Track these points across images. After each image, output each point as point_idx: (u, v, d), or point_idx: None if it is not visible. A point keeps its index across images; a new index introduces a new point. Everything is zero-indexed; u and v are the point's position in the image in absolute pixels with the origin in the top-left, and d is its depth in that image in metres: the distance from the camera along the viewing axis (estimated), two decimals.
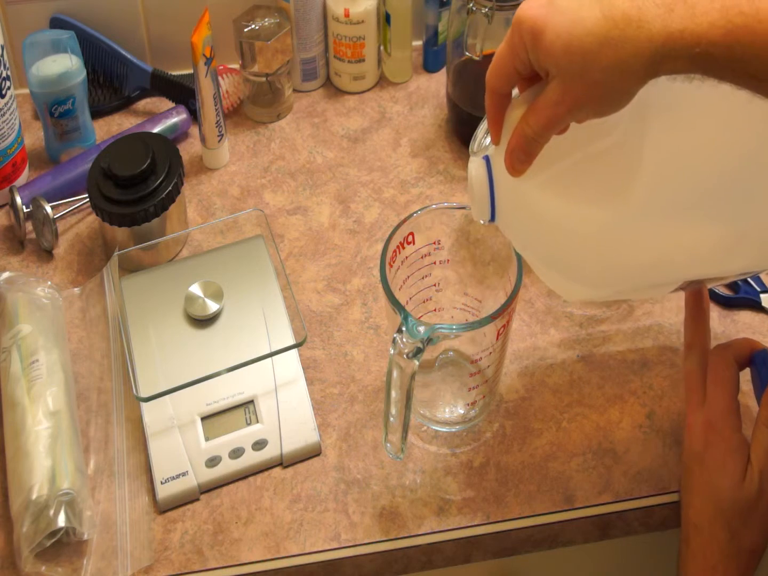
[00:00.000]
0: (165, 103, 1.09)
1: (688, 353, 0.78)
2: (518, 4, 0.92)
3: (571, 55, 0.58)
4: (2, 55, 0.95)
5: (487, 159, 0.69)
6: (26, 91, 1.04)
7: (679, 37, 0.56)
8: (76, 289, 0.93)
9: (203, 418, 0.82)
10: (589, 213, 0.67)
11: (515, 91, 0.66)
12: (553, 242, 0.69)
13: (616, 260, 0.69)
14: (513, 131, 0.64)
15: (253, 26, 1.03)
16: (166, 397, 0.82)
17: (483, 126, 0.91)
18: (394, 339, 0.71)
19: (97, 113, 1.07)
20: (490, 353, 0.78)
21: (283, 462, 0.81)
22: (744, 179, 0.66)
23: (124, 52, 1.08)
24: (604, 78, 0.58)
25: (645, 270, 0.70)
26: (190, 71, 0.99)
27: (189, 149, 1.06)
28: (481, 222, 0.71)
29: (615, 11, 0.56)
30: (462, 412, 0.83)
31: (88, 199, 0.96)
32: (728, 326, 0.89)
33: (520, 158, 0.64)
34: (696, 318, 0.79)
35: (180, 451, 0.81)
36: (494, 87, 0.65)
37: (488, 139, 0.89)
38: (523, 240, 0.72)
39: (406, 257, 0.80)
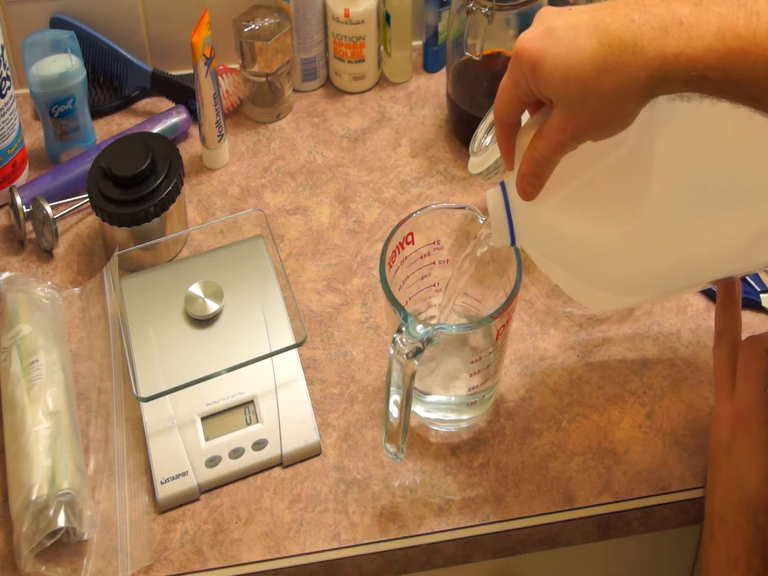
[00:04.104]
0: (165, 103, 1.09)
1: (718, 342, 0.78)
2: (518, 5, 0.93)
3: (570, 84, 0.59)
4: (2, 55, 0.95)
5: (503, 185, 0.70)
6: (26, 91, 1.04)
7: (675, 61, 0.56)
8: (76, 289, 0.93)
9: (203, 418, 0.82)
10: (607, 228, 0.67)
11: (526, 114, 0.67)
12: (575, 259, 0.70)
13: (639, 270, 0.69)
14: (522, 157, 0.65)
15: (253, 26, 1.03)
16: (166, 397, 0.82)
17: (483, 126, 0.91)
18: (393, 339, 0.71)
19: (97, 113, 1.07)
20: (490, 353, 0.78)
21: (283, 462, 0.81)
22: (758, 174, 0.66)
23: (124, 52, 1.08)
24: (603, 104, 0.59)
25: (671, 275, 0.71)
26: (190, 71, 0.99)
27: (189, 149, 1.06)
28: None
29: (611, 38, 0.57)
30: (461, 411, 0.83)
31: (88, 199, 0.96)
32: None
33: (532, 182, 0.65)
34: (727, 307, 0.79)
35: (180, 451, 0.81)
36: (502, 118, 0.66)
37: (488, 139, 0.89)
38: (545, 258, 0.73)
39: (406, 257, 0.80)
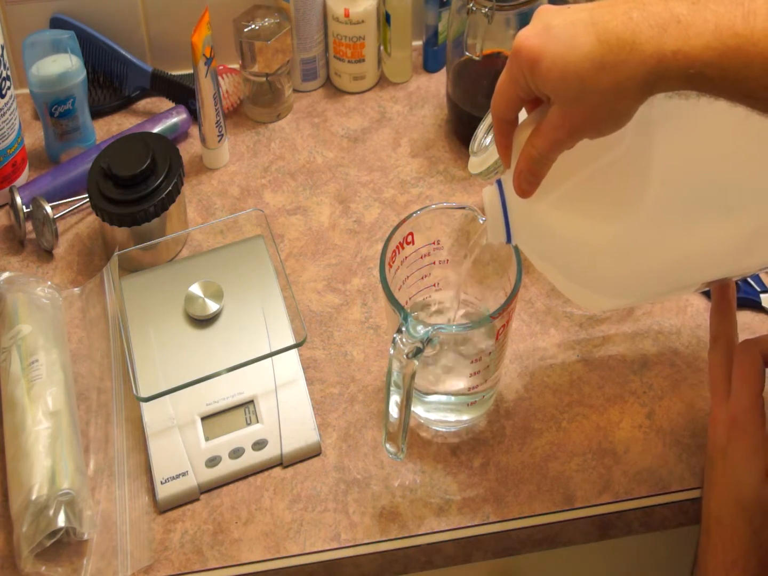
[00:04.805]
0: (165, 103, 1.09)
1: (713, 345, 0.78)
2: (518, 5, 0.93)
3: (568, 81, 0.59)
4: (2, 55, 0.95)
5: (499, 183, 0.70)
6: (26, 91, 1.04)
7: (673, 59, 0.56)
8: (76, 289, 0.93)
9: (203, 418, 0.82)
10: (602, 226, 0.67)
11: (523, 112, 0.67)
12: (570, 257, 0.70)
13: (635, 269, 0.69)
14: (520, 154, 0.65)
15: (253, 26, 1.03)
16: (166, 397, 0.82)
17: (483, 126, 0.91)
18: (393, 339, 0.71)
19: (97, 113, 1.08)
20: (490, 353, 0.78)
21: (283, 462, 0.81)
22: (754, 176, 0.66)
23: (124, 52, 1.08)
24: (601, 101, 0.59)
25: (665, 275, 0.71)
26: (190, 71, 0.99)
27: (189, 149, 1.06)
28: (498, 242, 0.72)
29: (609, 35, 0.58)
30: (461, 411, 0.83)
31: (88, 199, 0.96)
32: None
33: (528, 180, 0.65)
34: (722, 310, 0.78)
35: (180, 451, 0.81)
36: (499, 114, 0.66)
37: (488, 139, 0.89)
38: (540, 256, 0.73)
39: (406, 257, 0.80)
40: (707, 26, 0.56)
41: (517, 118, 0.67)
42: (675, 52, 0.56)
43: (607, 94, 0.58)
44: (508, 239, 0.71)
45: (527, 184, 0.66)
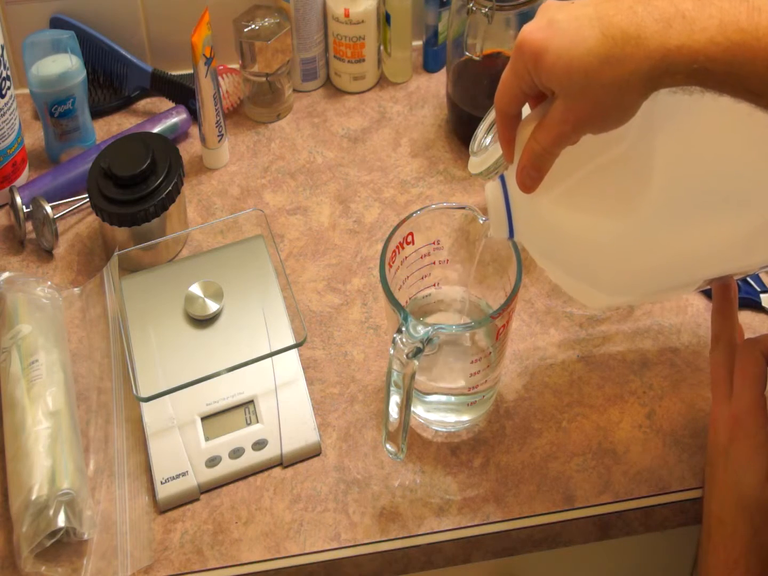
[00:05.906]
0: (165, 103, 1.09)
1: (714, 345, 0.78)
2: (518, 5, 0.93)
3: (573, 74, 0.59)
4: (2, 55, 0.95)
5: (502, 178, 0.70)
6: (26, 91, 1.04)
7: (677, 53, 0.57)
8: (76, 289, 0.93)
9: (203, 418, 0.82)
10: (604, 223, 0.67)
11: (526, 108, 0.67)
12: (572, 254, 0.70)
13: (636, 266, 0.69)
14: (523, 149, 0.65)
15: (253, 26, 1.03)
16: (166, 397, 0.82)
17: (483, 126, 0.91)
18: (393, 339, 0.71)
19: (97, 113, 1.08)
20: (490, 353, 0.78)
21: (283, 462, 0.81)
22: (757, 172, 0.66)
23: (124, 52, 1.08)
24: (605, 95, 0.59)
25: (666, 273, 0.71)
26: (190, 71, 0.99)
27: (189, 149, 1.06)
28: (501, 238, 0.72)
29: (614, 29, 0.58)
30: (461, 411, 0.83)
31: (88, 199, 0.96)
32: None
33: (531, 175, 0.65)
34: (723, 310, 0.78)
35: (180, 451, 0.81)
36: (503, 109, 0.66)
37: (488, 139, 0.89)
38: (542, 253, 0.73)
39: (406, 257, 0.80)
40: (712, 21, 0.56)
41: (520, 113, 0.67)
42: (679, 47, 0.56)
43: (612, 89, 0.59)
44: (511, 234, 0.71)
45: (530, 179, 0.66)
